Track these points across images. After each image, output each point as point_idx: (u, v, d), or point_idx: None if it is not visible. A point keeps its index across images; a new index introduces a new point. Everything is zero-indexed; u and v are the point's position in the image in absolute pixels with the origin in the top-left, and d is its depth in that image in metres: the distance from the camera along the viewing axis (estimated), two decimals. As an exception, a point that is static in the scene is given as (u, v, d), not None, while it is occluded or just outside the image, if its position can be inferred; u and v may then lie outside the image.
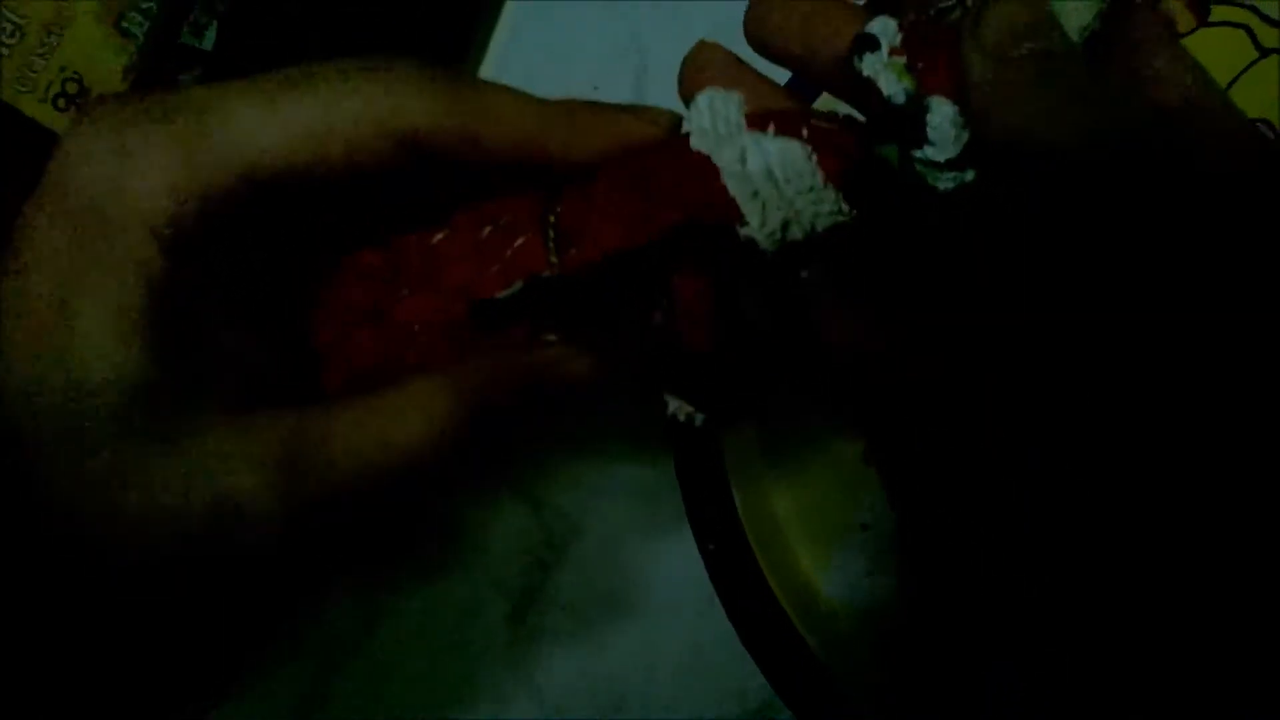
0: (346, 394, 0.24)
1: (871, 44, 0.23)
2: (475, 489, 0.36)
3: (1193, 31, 0.34)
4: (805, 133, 0.23)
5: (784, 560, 0.33)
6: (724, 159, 0.23)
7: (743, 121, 0.24)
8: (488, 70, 0.44)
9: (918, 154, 0.23)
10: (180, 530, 0.21)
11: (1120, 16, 0.23)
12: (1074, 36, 0.22)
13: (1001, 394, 0.23)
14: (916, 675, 0.28)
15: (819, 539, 0.33)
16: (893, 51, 0.23)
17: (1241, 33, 0.34)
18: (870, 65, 0.23)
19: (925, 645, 0.29)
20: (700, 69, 0.25)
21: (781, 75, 0.26)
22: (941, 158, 0.23)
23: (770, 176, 0.23)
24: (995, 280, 0.23)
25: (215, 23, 0.47)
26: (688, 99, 0.25)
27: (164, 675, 0.24)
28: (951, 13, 0.23)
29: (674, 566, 0.34)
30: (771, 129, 0.23)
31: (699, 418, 0.25)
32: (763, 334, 0.25)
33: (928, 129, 0.22)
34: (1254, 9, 0.34)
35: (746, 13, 0.26)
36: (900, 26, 0.23)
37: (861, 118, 0.25)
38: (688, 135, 0.24)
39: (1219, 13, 0.34)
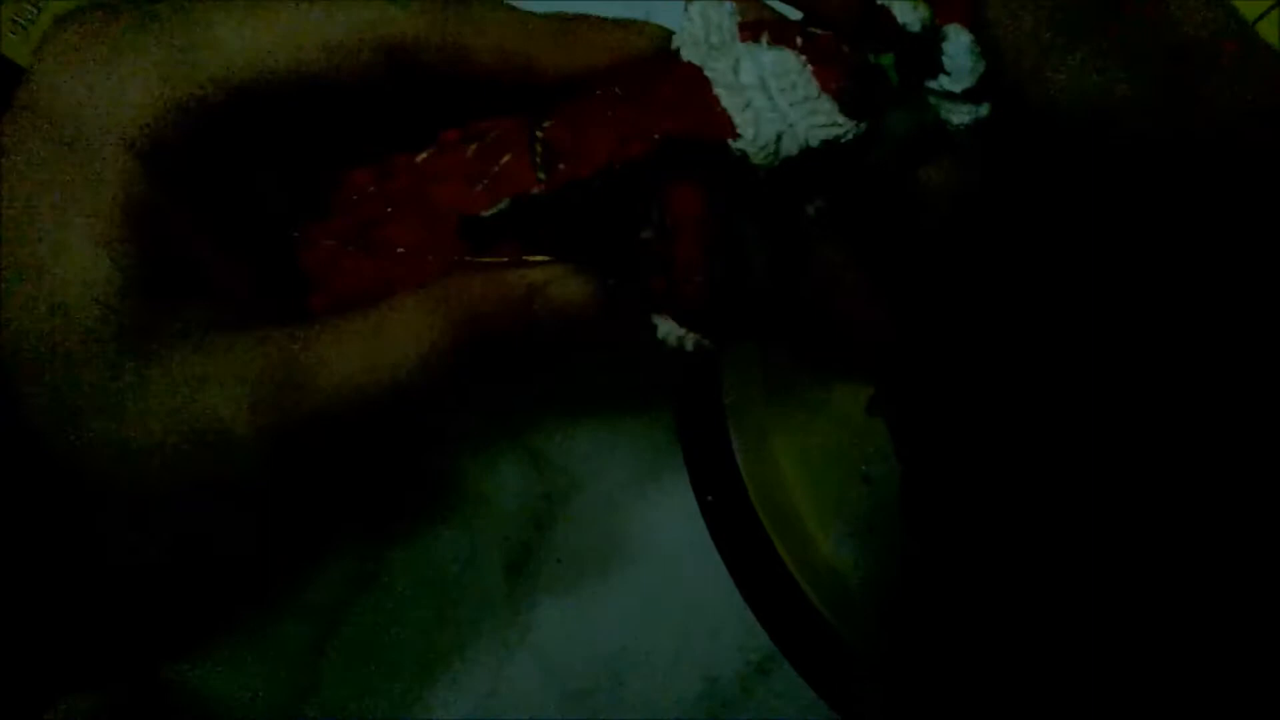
0: (333, 315, 0.23)
1: None
2: (474, 440, 0.35)
3: None
4: (800, 42, 0.23)
5: (785, 512, 0.32)
6: (716, 70, 0.23)
7: (736, 31, 0.23)
8: None
9: (932, 84, 0.22)
10: (163, 455, 0.21)
11: None
12: None
13: (1013, 354, 0.22)
14: (918, 630, 0.27)
15: (821, 491, 0.32)
16: None
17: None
18: None
19: (926, 601, 0.29)
20: None
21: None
22: (958, 88, 0.22)
23: (764, 87, 0.22)
24: (1008, 232, 0.23)
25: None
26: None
27: (147, 610, 0.23)
28: None
29: (674, 520, 0.33)
30: (765, 38, 0.23)
31: (690, 340, 0.24)
32: (761, 263, 0.24)
33: (943, 57, 0.22)
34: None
35: None
36: None
37: None
38: (679, 49, 0.23)
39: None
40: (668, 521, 0.34)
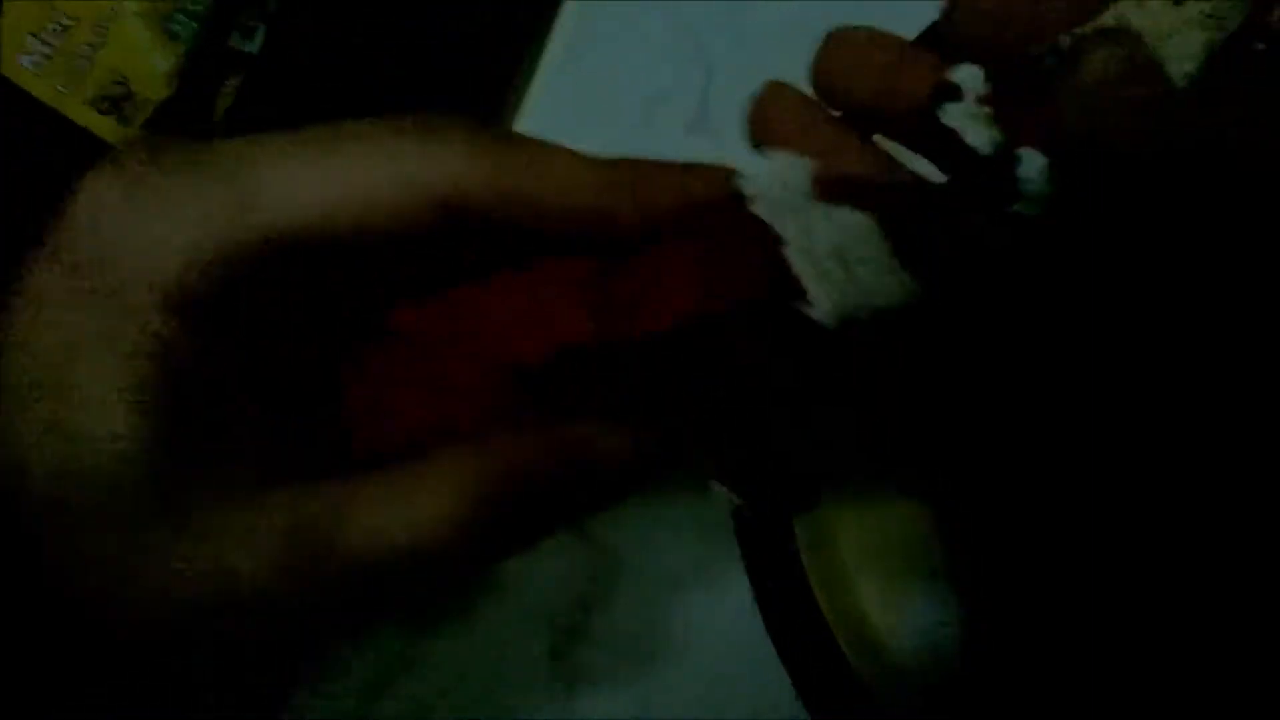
0: (377, 463, 0.22)
1: (954, 93, 0.22)
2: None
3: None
4: (878, 205, 0.22)
5: (847, 604, 0.30)
6: (789, 231, 0.22)
7: (810, 190, 0.22)
8: (544, 77, 0.42)
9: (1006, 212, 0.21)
10: (182, 610, 0.20)
11: (1232, 56, 0.21)
12: (1178, 81, 0.21)
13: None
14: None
15: (886, 582, 0.31)
16: (978, 100, 0.21)
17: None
18: (953, 115, 0.21)
19: (996, 707, 0.27)
20: (769, 117, 0.24)
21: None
22: (1034, 213, 0.21)
23: (838, 254, 0.21)
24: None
25: (263, 25, 0.46)
26: (755, 144, 0.24)
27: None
28: (1043, 61, 0.21)
29: (728, 610, 0.32)
30: (843, 200, 0.22)
31: (746, 504, 0.24)
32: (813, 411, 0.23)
33: (1019, 181, 0.21)
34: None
35: (814, 60, 0.24)
36: (986, 76, 0.22)
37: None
38: (749, 198, 0.22)
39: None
40: (722, 612, 0.32)
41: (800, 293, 0.22)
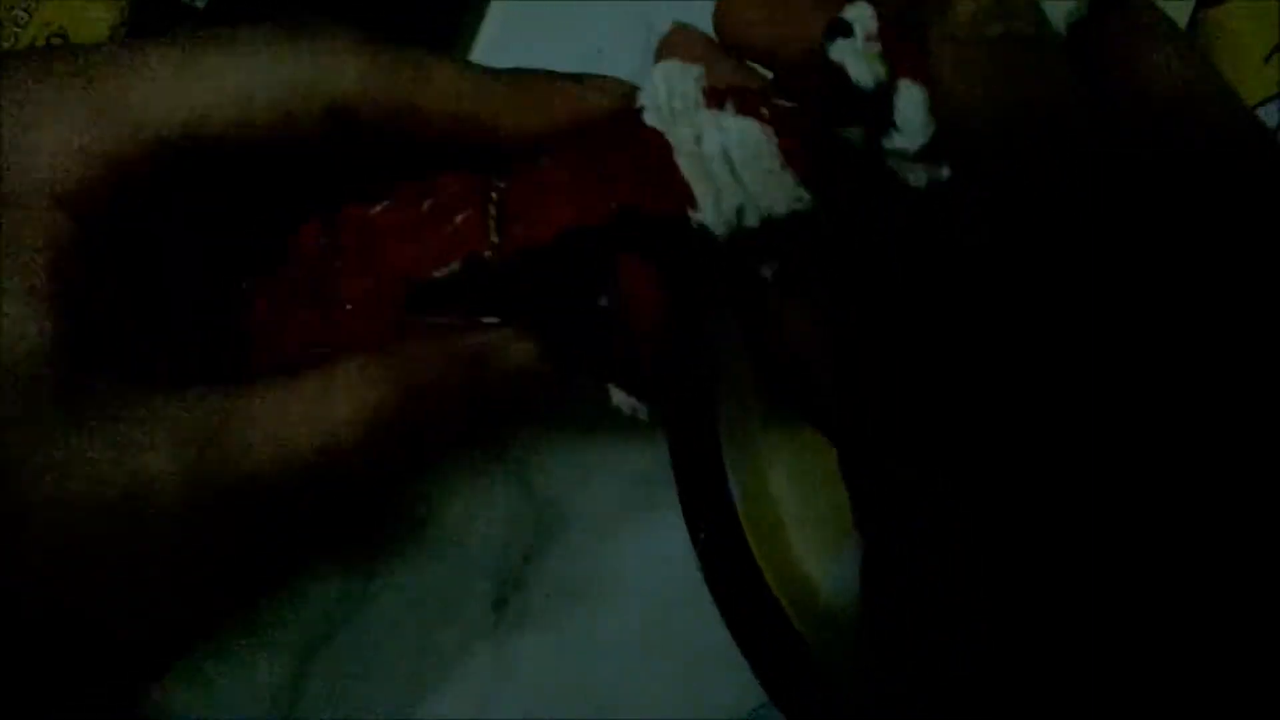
0: (276, 375, 0.22)
1: (845, 29, 0.22)
2: (460, 466, 0.34)
3: (1224, 1, 0.32)
4: (766, 112, 0.22)
5: (782, 552, 0.31)
6: (678, 137, 0.22)
7: (700, 98, 0.23)
8: (487, 34, 0.42)
9: (886, 144, 0.21)
10: (94, 514, 0.20)
11: (1113, 4, 0.21)
12: (1059, 25, 0.21)
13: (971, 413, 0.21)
14: (918, 682, 0.26)
15: (821, 530, 0.31)
16: (868, 39, 0.22)
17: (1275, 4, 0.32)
18: (840, 50, 0.22)
19: (925, 649, 0.27)
20: (671, 50, 0.25)
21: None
22: (911, 145, 0.21)
23: (726, 158, 0.22)
24: (960, 287, 0.21)
25: (208, -20, 0.46)
26: None
27: (90, 655, 0.22)
28: None
29: (667, 557, 0.32)
30: (730, 107, 0.22)
31: (643, 411, 0.23)
32: (715, 330, 0.23)
33: (895, 114, 0.21)
34: (1298, -24, 0.32)
35: (716, 5, 0.25)
36: (875, 14, 0.22)
37: None
38: (642, 109, 0.23)
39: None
40: (661, 556, 0.33)
41: (691, 200, 0.22)
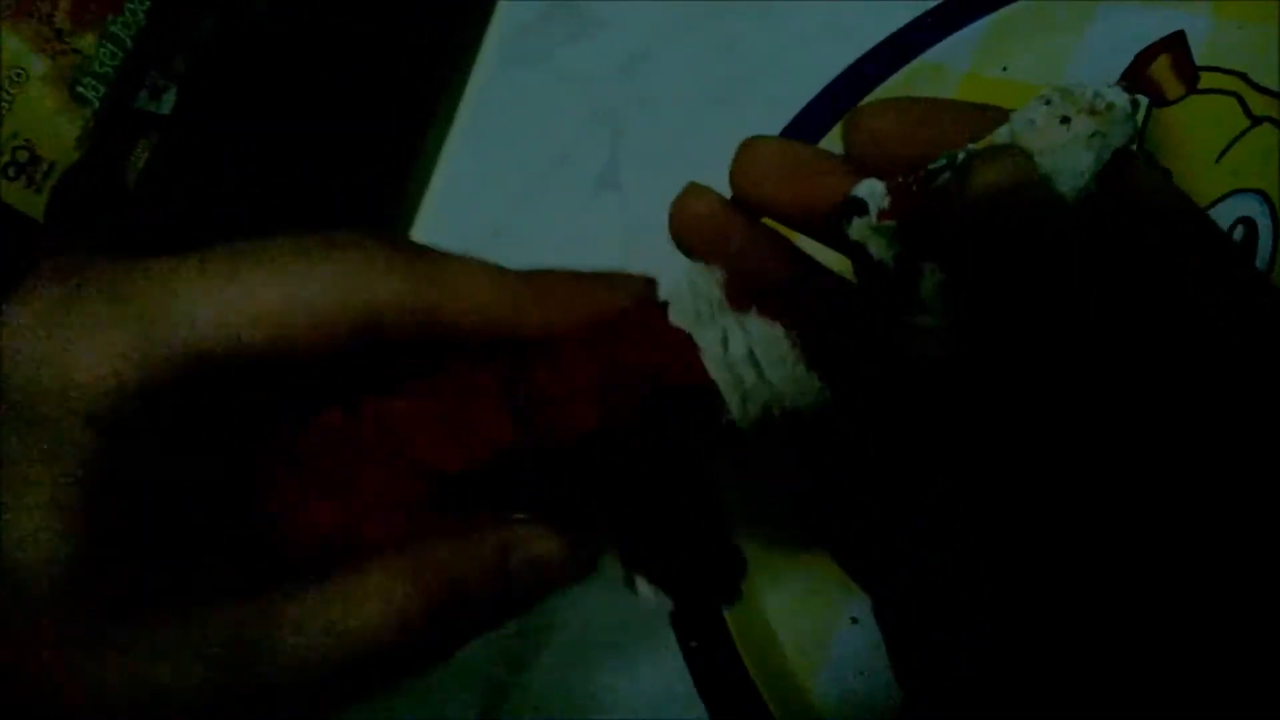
0: (301, 566, 0.22)
1: (859, 208, 0.22)
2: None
3: (1182, 99, 0.34)
4: (787, 316, 0.22)
5: (771, 658, 0.31)
6: (705, 339, 0.22)
7: (723, 300, 0.23)
8: (457, 136, 0.42)
9: (909, 321, 0.22)
10: None
11: (1120, 174, 0.22)
12: (1069, 196, 0.22)
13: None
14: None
15: (808, 634, 0.31)
16: (881, 215, 0.22)
17: (1232, 100, 0.33)
18: (858, 230, 0.22)
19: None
20: (687, 217, 0.25)
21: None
22: (935, 324, 0.22)
23: (752, 360, 0.22)
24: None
25: (174, 87, 0.46)
26: (677, 241, 0.25)
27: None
28: (940, 175, 0.22)
29: (657, 666, 0.32)
30: (754, 310, 0.23)
31: (667, 604, 0.23)
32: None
33: (921, 294, 0.22)
34: (1244, 77, 0.33)
35: (731, 167, 0.25)
36: (888, 190, 0.22)
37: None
38: (665, 304, 0.23)
39: (1208, 80, 0.34)
40: (650, 667, 0.33)
41: (715, 394, 0.22)
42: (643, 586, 0.23)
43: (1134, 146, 0.22)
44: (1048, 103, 0.22)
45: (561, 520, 0.23)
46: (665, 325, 0.23)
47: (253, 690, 0.20)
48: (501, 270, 0.23)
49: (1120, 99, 0.21)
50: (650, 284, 0.24)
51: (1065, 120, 0.21)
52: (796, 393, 0.22)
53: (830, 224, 0.23)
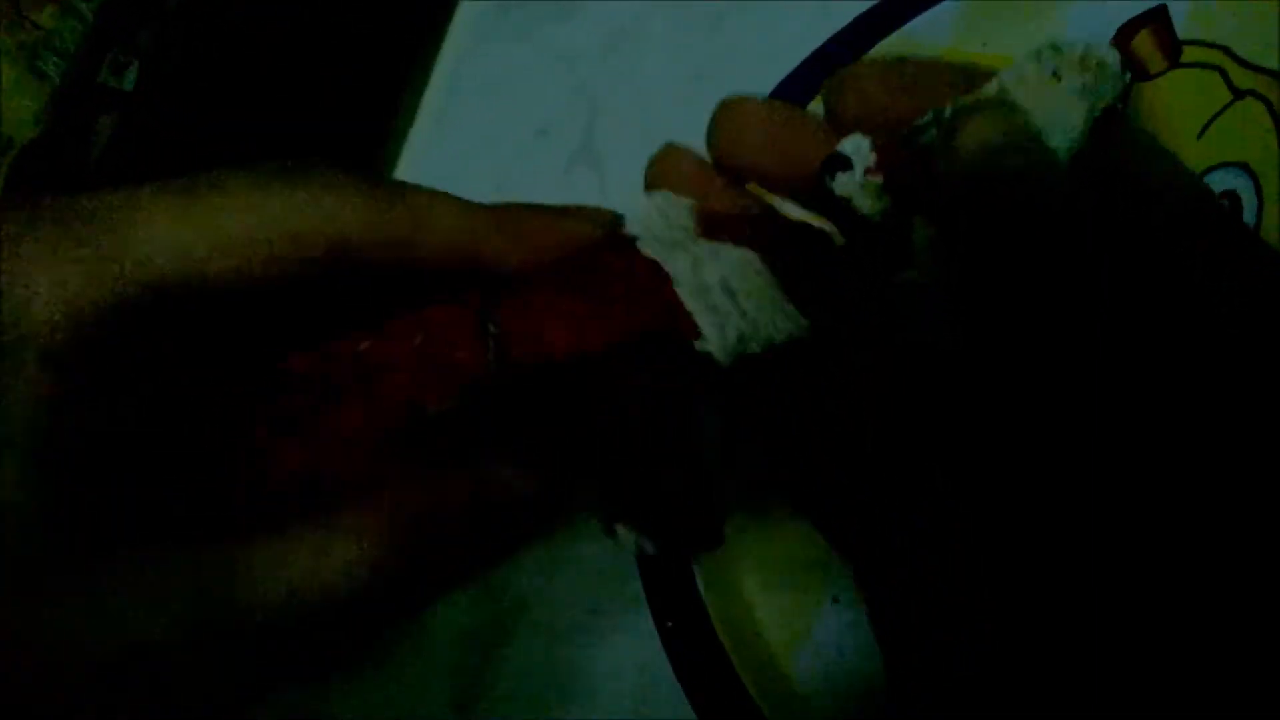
0: (274, 509, 0.22)
1: (844, 163, 0.22)
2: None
3: (1164, 73, 0.33)
4: (761, 241, 0.22)
5: (750, 639, 0.30)
6: (676, 268, 0.22)
7: (694, 227, 0.23)
8: (429, 111, 0.42)
9: (898, 276, 0.22)
10: (88, 680, 0.19)
11: (1110, 133, 0.22)
12: (1060, 153, 0.21)
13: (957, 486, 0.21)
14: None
15: (788, 614, 0.31)
16: (867, 171, 0.22)
17: (1215, 74, 0.33)
18: (843, 185, 0.22)
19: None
20: (665, 174, 0.25)
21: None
22: (927, 280, 0.22)
23: (726, 288, 0.22)
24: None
25: (136, 62, 0.45)
26: None
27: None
28: (925, 132, 0.22)
29: (633, 650, 0.32)
30: (726, 236, 0.22)
31: (649, 545, 0.23)
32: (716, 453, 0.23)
33: (911, 248, 0.22)
34: (1227, 50, 0.33)
35: (709, 128, 0.24)
36: (873, 146, 0.22)
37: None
38: (634, 238, 0.23)
39: (1191, 53, 0.33)
40: (627, 649, 0.32)
41: (691, 329, 0.22)
42: (622, 531, 0.23)
43: (1121, 106, 0.22)
44: (1038, 58, 0.21)
45: (535, 461, 0.23)
46: (635, 254, 0.22)
47: (223, 636, 0.20)
48: (470, 202, 0.23)
49: (1111, 56, 0.21)
50: (619, 218, 0.23)
51: (1056, 76, 0.21)
52: (773, 322, 0.22)
53: (815, 183, 0.22)
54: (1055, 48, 0.21)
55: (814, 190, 0.22)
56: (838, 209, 0.22)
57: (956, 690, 0.21)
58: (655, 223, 0.23)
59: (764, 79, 0.36)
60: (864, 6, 0.36)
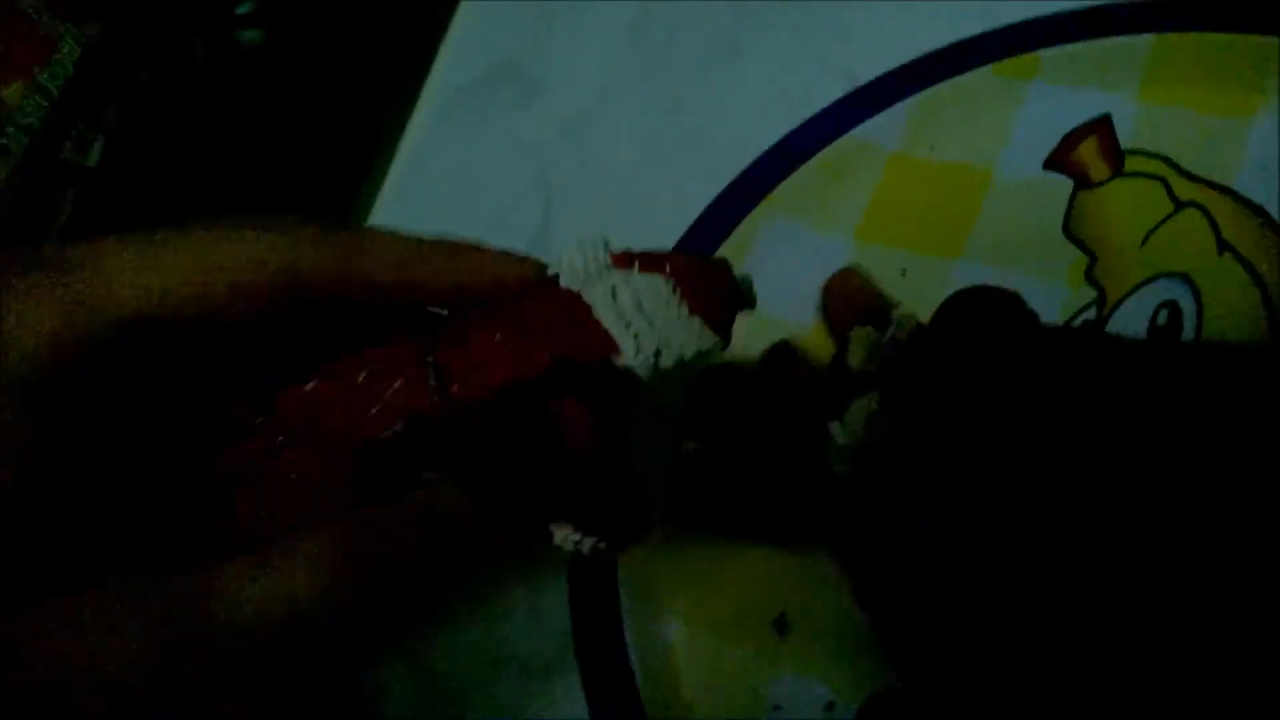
0: (236, 545, 0.23)
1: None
2: (369, 655, 0.33)
3: (1108, 181, 0.34)
4: (668, 268, 0.25)
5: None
6: (595, 295, 0.25)
7: (609, 260, 0.25)
8: (388, 196, 0.42)
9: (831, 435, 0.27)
10: (57, 704, 0.20)
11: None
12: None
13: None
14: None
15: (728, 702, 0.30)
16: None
17: (1158, 184, 0.33)
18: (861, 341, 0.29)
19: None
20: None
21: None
22: (841, 440, 0.27)
23: (640, 308, 0.25)
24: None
25: (102, 138, 0.45)
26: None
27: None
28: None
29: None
30: (636, 266, 0.25)
31: (587, 544, 0.25)
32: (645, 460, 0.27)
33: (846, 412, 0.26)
34: (1169, 161, 0.33)
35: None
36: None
37: None
38: (556, 278, 0.26)
39: (1134, 163, 0.34)
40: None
41: (613, 348, 0.25)
42: (560, 533, 0.25)
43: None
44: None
45: (479, 481, 0.24)
46: (557, 289, 0.25)
47: (189, 662, 0.21)
48: (406, 233, 0.25)
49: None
50: (541, 265, 0.26)
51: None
52: (685, 338, 0.25)
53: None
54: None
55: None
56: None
57: (957, 689, 0.22)
58: (577, 259, 0.26)
59: (722, 168, 0.36)
60: (822, 100, 0.37)
